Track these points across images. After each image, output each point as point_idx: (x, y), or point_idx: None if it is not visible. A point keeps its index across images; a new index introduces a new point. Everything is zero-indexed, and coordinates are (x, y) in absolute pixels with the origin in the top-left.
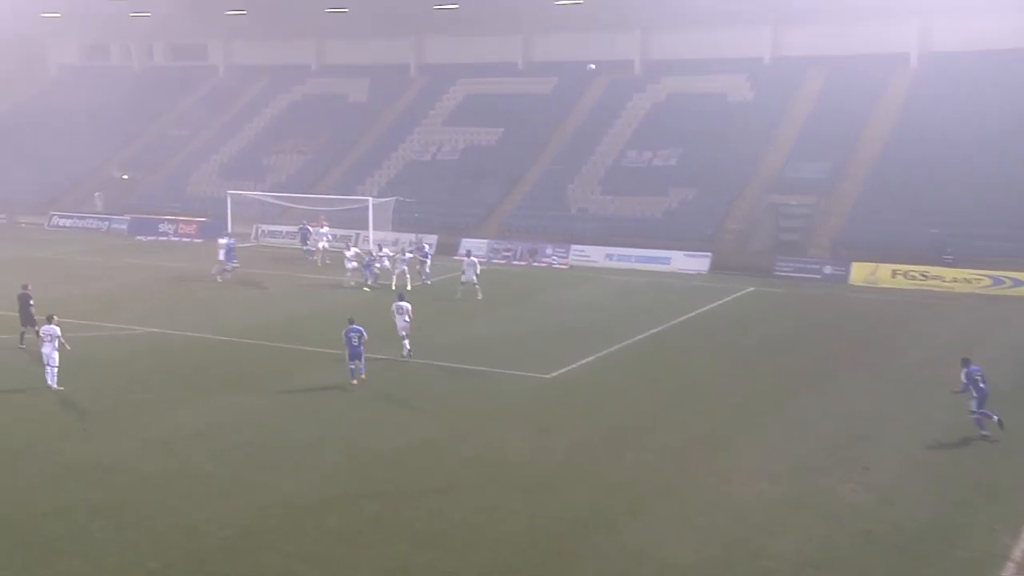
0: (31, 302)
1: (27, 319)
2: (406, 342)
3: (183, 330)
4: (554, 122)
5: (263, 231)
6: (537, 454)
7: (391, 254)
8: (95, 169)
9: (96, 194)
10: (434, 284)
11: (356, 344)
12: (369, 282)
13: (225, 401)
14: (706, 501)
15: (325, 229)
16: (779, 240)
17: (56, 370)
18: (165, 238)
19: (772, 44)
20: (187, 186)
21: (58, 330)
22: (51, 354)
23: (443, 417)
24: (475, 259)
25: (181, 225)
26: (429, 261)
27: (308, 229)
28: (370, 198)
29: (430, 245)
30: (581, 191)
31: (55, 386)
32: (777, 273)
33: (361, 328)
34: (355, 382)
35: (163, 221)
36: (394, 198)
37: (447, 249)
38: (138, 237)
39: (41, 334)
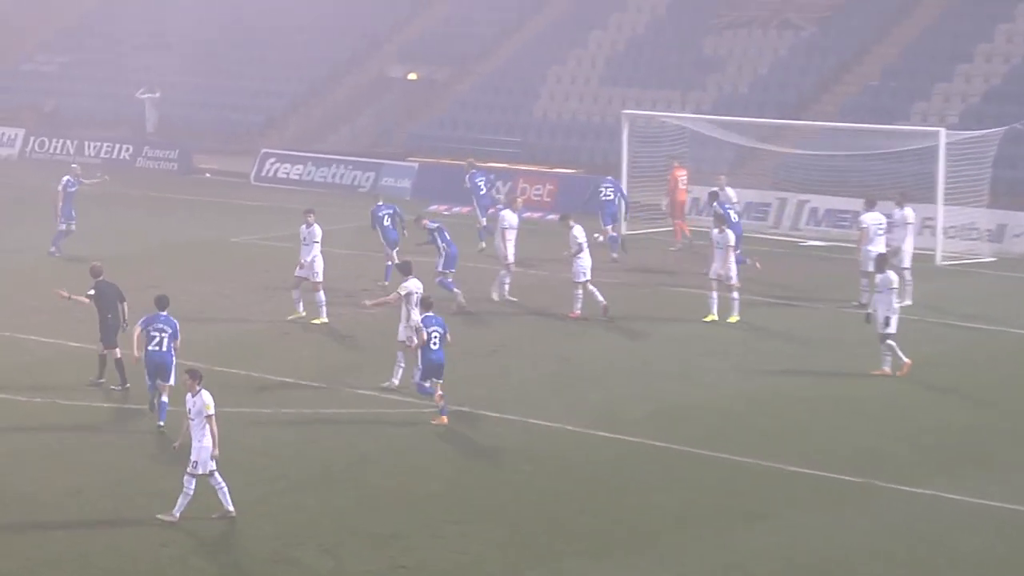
0: (122, 304)
1: (109, 333)
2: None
3: (521, 412)
4: None
5: (695, 199)
6: None
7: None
8: (343, 65)
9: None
10: None
11: (436, 348)
12: None
13: None
14: None
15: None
16: None
17: (224, 490)
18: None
19: None
20: (533, 100)
21: (208, 402)
22: (204, 447)
23: None
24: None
25: (523, 181)
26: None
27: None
28: (941, 129)
29: None
30: None
31: (174, 515)
32: None
33: (441, 320)
34: (440, 419)
35: (486, 174)
36: (1000, 129)
37: None
38: (432, 207)
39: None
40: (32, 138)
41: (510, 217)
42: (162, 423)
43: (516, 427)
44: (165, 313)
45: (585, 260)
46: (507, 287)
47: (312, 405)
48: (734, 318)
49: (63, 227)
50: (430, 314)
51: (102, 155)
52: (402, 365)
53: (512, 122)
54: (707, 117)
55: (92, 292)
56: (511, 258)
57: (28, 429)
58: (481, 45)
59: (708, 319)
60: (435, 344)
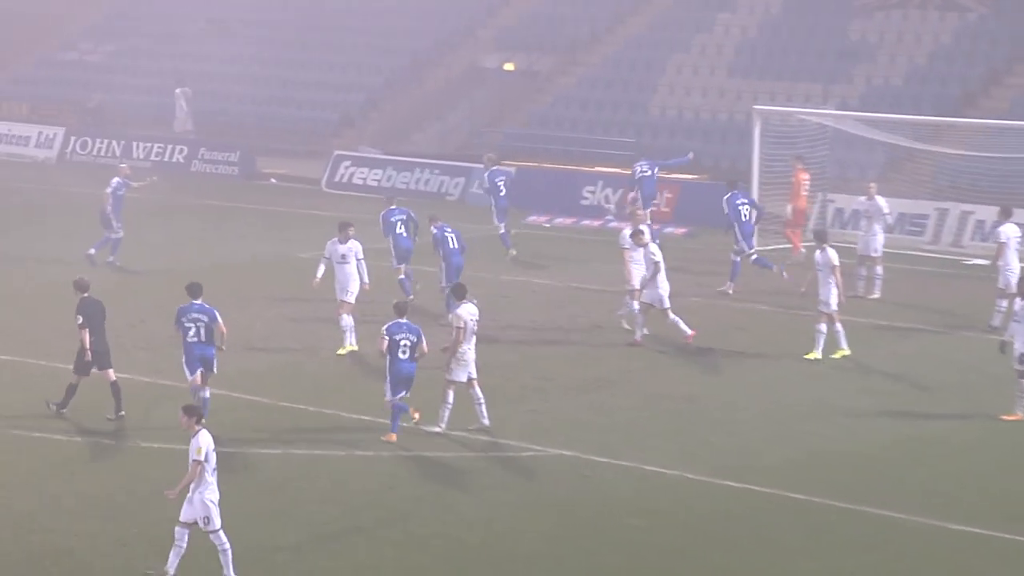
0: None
1: (95, 357)
2: (449, 401)
3: (633, 457)
4: None
5: (839, 210)
6: None
7: None
8: (430, 55)
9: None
10: None
11: (405, 357)
12: None
13: None
14: None
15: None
16: None
17: None
18: (591, 222)
19: None
20: (650, 95)
21: (201, 446)
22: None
23: None
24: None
25: (626, 193)
26: None
27: None
28: None
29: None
30: None
31: None
32: None
33: (416, 328)
34: (393, 436)
35: (592, 177)
36: None
37: None
38: (531, 218)
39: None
40: (73, 138)
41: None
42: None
43: (627, 474)
44: (199, 302)
45: (664, 283)
46: (624, 312)
47: (390, 447)
48: (841, 352)
49: (113, 235)
50: (401, 320)
51: (152, 157)
52: (450, 404)
53: (625, 120)
54: (854, 114)
55: (81, 320)
56: (634, 282)
57: (66, 473)
58: (590, 31)
59: (836, 355)
60: (404, 353)
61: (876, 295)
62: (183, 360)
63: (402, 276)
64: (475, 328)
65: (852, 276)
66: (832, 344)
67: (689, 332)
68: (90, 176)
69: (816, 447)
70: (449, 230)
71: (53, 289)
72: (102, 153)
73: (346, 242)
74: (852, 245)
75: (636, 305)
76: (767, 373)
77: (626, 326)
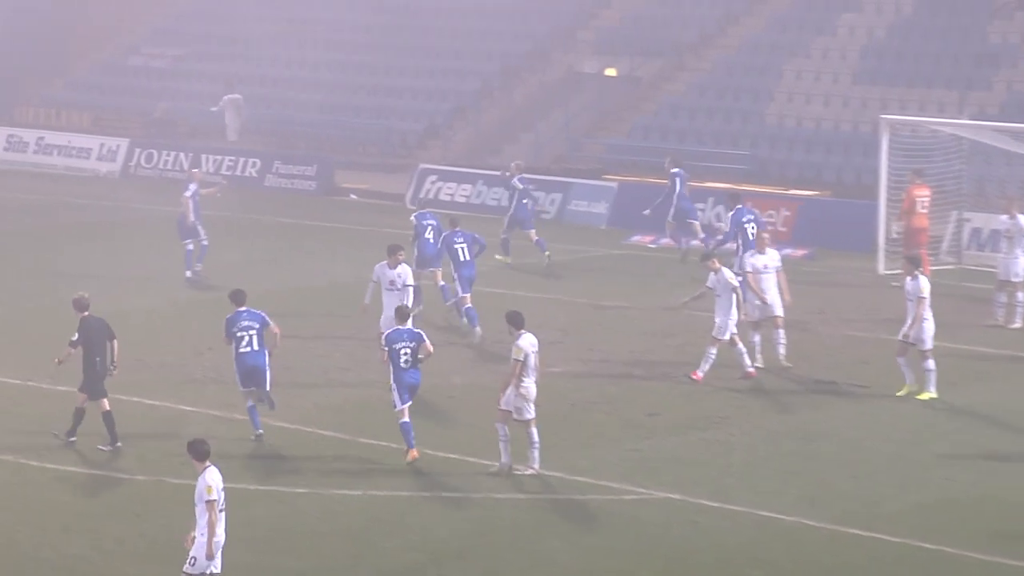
0: (112, 343)
1: (96, 380)
2: (534, 439)
3: (749, 502)
4: None
5: (976, 230)
6: None
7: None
8: (523, 59)
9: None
10: None
11: (407, 367)
12: None
13: None
14: None
15: None
16: None
17: None
18: (701, 243)
19: None
20: (766, 103)
21: (211, 484)
22: None
23: None
24: None
25: (752, 206)
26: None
27: None
28: None
29: None
30: None
31: None
32: None
33: (415, 333)
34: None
35: (702, 193)
36: None
37: None
38: (635, 238)
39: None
40: (138, 150)
41: (754, 260)
42: (261, 431)
43: (740, 520)
44: (245, 308)
45: (734, 312)
46: (783, 347)
47: (480, 488)
48: (926, 395)
49: (204, 243)
50: (400, 327)
51: (223, 171)
52: (518, 441)
53: (739, 131)
54: (993, 124)
55: (76, 337)
56: (777, 310)
57: (129, 514)
58: (699, 33)
59: (901, 392)
60: (406, 363)
61: (1017, 324)
62: (235, 373)
63: (441, 283)
64: (536, 361)
65: (991, 303)
66: (903, 378)
67: (750, 368)
68: (156, 191)
69: (950, 492)
70: (460, 239)
71: (110, 312)
72: (168, 166)
73: (396, 267)
74: (991, 269)
75: (779, 336)
76: (893, 410)
77: (785, 363)
